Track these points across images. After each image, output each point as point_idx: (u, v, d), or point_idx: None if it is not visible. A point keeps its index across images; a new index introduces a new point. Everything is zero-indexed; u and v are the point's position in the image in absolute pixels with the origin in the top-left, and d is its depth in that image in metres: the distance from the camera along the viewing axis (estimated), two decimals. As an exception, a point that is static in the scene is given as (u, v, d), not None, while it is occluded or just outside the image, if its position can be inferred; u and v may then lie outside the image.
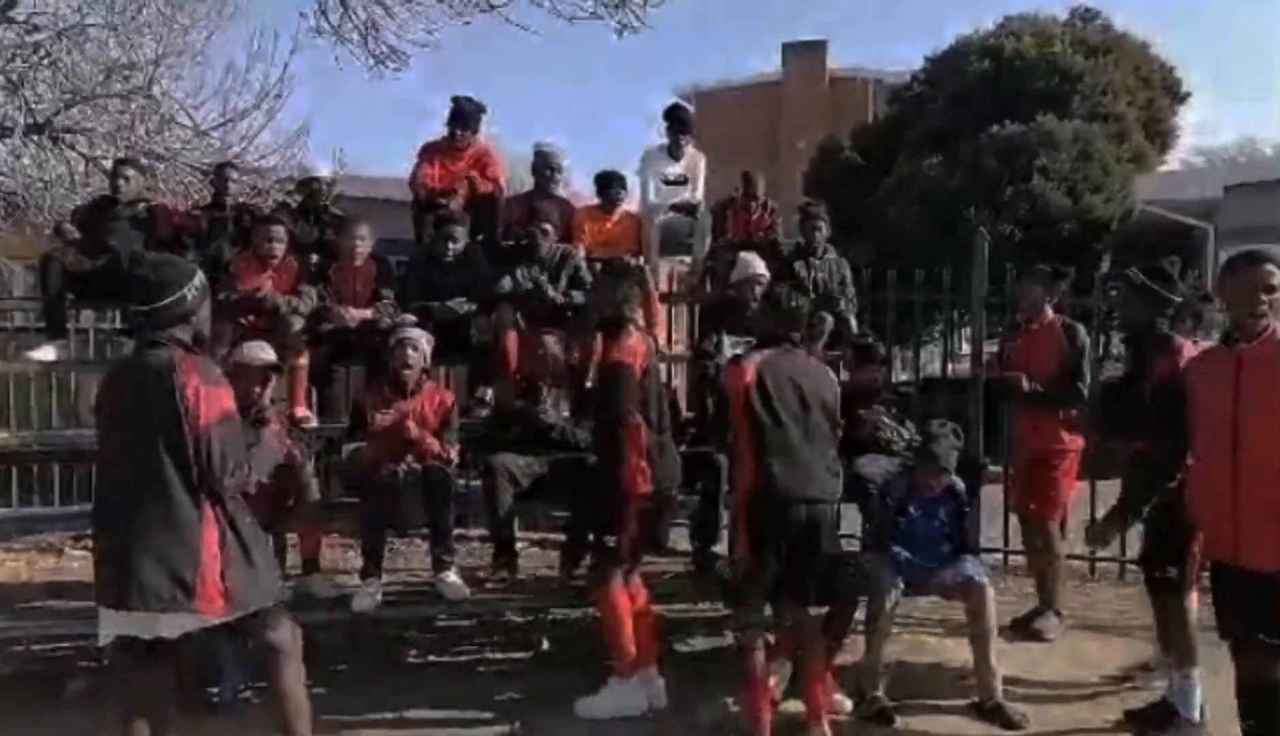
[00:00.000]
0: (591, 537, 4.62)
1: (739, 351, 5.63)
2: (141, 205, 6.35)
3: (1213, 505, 3.37)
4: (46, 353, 6.16)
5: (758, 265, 5.86)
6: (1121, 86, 14.49)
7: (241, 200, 7.38)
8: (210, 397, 3.18)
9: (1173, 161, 17.17)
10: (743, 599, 4.14)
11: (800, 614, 4.13)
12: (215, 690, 4.53)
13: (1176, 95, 15.68)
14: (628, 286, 4.52)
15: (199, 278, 3.37)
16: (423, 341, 5.16)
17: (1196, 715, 4.14)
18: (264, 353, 4.84)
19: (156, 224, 6.24)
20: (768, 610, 4.17)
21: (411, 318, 5.59)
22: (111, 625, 3.29)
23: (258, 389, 4.67)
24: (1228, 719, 3.57)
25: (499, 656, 5.20)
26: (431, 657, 5.20)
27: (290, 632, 3.47)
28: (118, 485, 3.27)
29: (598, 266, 5.89)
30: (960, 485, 4.67)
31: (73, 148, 9.68)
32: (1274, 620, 3.22)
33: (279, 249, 5.79)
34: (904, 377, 8.62)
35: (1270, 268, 3.27)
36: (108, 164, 8.20)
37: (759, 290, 5.74)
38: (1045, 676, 4.87)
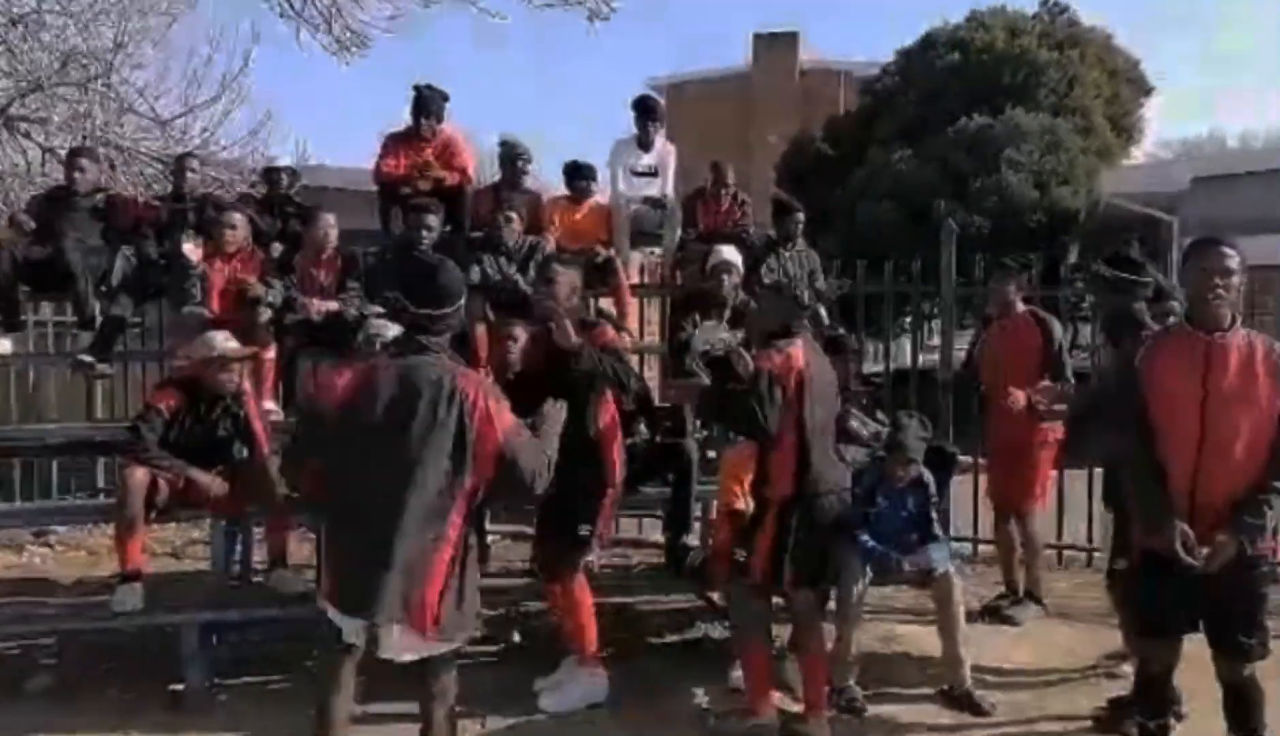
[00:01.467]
0: (553, 530, 4.46)
1: (721, 338, 5.62)
2: (100, 196, 6.21)
3: (1173, 491, 3.31)
4: (2, 346, 6.02)
5: (728, 253, 5.84)
6: (1088, 80, 14.62)
7: (203, 192, 7.25)
8: (499, 413, 3.12)
9: (1139, 154, 17.36)
10: (749, 596, 4.11)
11: (801, 598, 4.12)
12: (181, 686, 4.46)
13: (1142, 88, 15.85)
14: (561, 276, 4.42)
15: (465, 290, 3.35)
16: (389, 332, 5.09)
17: None
18: (231, 342, 4.84)
19: (116, 215, 6.11)
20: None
21: (378, 309, 5.52)
22: (352, 631, 3.15)
23: (237, 377, 4.76)
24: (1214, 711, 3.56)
25: (469, 649, 5.12)
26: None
27: (452, 681, 3.33)
28: (373, 490, 3.09)
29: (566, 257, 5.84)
30: (928, 475, 4.69)
31: (29, 137, 9.48)
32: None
33: (231, 236, 5.72)
34: (875, 368, 8.64)
35: (1227, 251, 3.25)
36: (64, 153, 8.04)
37: (728, 278, 5.72)
38: (1016, 664, 4.90)
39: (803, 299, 4.22)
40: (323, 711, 3.22)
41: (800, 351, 4.02)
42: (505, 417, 3.15)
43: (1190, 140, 34.27)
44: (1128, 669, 4.50)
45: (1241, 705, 3.37)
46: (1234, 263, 3.25)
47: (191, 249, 5.72)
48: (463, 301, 3.29)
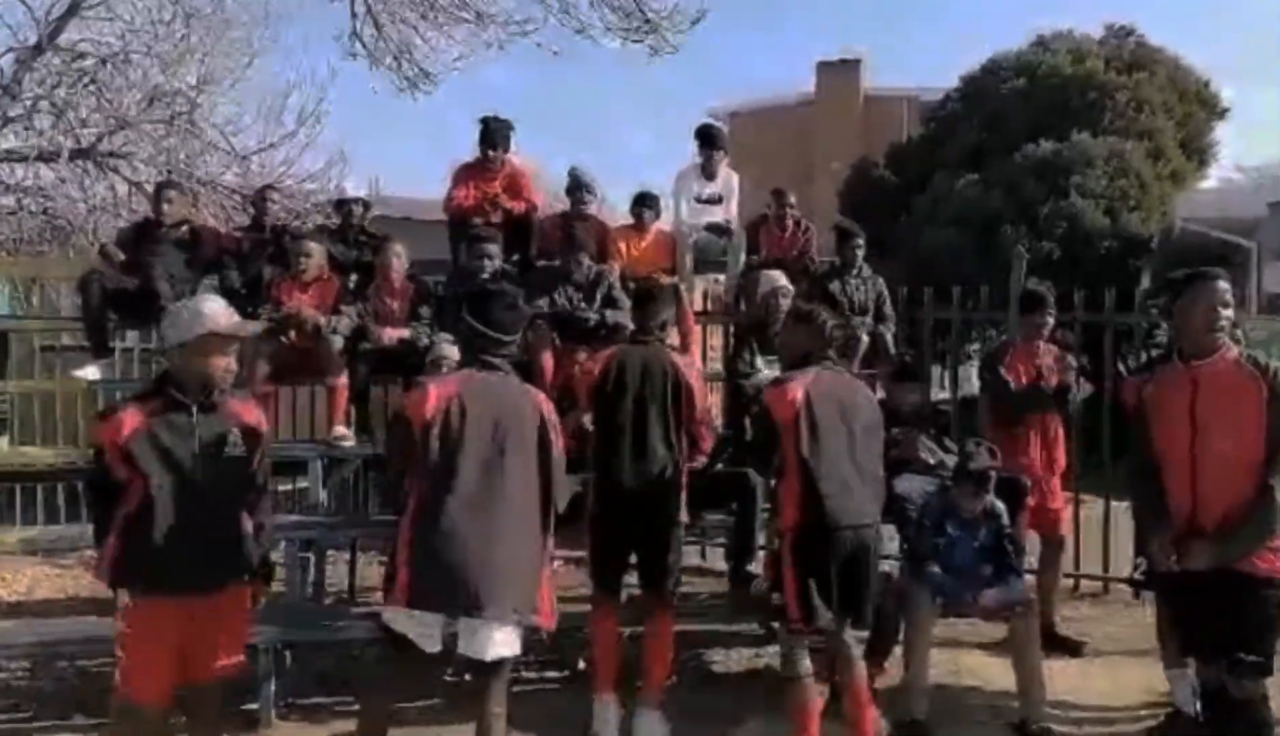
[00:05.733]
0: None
1: (774, 372, 5.62)
2: (185, 228, 6.44)
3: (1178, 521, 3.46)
4: (91, 371, 6.25)
5: (779, 278, 5.85)
6: (1157, 103, 14.33)
7: (280, 222, 7.48)
8: (558, 429, 3.57)
9: (1214, 178, 16.93)
10: (788, 628, 4.02)
11: (841, 640, 4.03)
12: (255, 706, 4.56)
13: (1214, 110, 15.46)
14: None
15: None
16: (455, 356, 5.15)
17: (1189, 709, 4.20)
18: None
19: (200, 245, 6.33)
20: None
21: (448, 337, 5.63)
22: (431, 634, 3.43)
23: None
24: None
25: (534, 675, 5.19)
26: (468, 676, 5.18)
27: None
28: (477, 497, 3.38)
29: (631, 285, 5.90)
30: (1000, 506, 4.60)
31: (116, 172, 9.89)
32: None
33: (309, 264, 5.86)
34: (942, 396, 8.53)
35: (1223, 285, 3.42)
36: (150, 187, 8.36)
37: (783, 301, 5.71)
38: (1087, 699, 4.79)
39: (826, 328, 4.13)
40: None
41: (802, 384, 3.94)
42: (561, 439, 3.56)
43: (1267, 166, 33.18)
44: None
45: (1241, 724, 3.36)
46: (1230, 295, 3.41)
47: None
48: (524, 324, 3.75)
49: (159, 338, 3.14)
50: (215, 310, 3.35)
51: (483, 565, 3.31)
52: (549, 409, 3.58)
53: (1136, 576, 4.80)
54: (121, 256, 6.28)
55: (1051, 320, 5.60)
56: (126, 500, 3.29)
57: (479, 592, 3.30)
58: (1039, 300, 5.63)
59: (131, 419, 3.24)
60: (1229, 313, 3.39)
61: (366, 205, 7.01)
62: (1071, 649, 5.37)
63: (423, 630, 3.40)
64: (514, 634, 3.44)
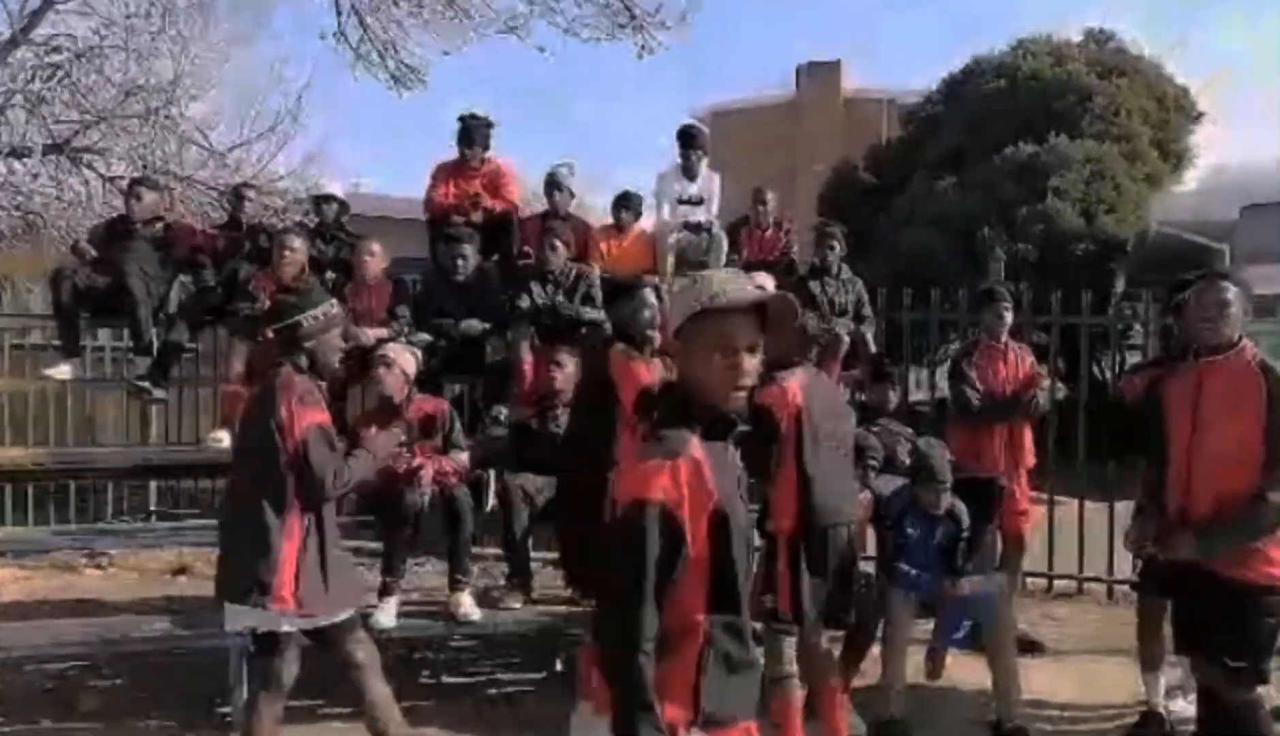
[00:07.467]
0: None
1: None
2: (160, 224, 6.36)
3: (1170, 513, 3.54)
4: (62, 370, 6.16)
5: (759, 276, 5.82)
6: (1135, 107, 14.46)
7: (257, 220, 7.40)
8: (301, 413, 3.51)
9: (1190, 182, 17.05)
10: (781, 639, 3.97)
11: (818, 642, 4.03)
12: (228, 709, 4.51)
13: (1190, 115, 15.61)
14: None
15: (324, 307, 3.70)
16: (403, 356, 4.84)
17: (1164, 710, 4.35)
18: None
19: (174, 243, 6.25)
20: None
21: (425, 337, 5.59)
22: (231, 619, 3.64)
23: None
24: None
25: (512, 677, 5.16)
26: (444, 678, 5.16)
27: (367, 649, 3.77)
28: (230, 492, 3.83)
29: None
30: (961, 507, 4.49)
31: (91, 167, 9.76)
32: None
33: (291, 258, 5.79)
34: (920, 397, 8.57)
35: (1224, 284, 3.49)
36: (126, 183, 8.25)
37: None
38: (1062, 699, 4.82)
39: (809, 328, 4.10)
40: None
41: (797, 383, 3.90)
42: (309, 418, 3.52)
43: (1237, 168, 33.40)
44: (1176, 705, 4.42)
45: (1233, 726, 3.38)
46: (1229, 294, 3.45)
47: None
48: (300, 316, 3.62)
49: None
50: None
51: (225, 553, 3.71)
52: (289, 400, 3.51)
53: (1134, 575, 4.83)
54: (94, 253, 6.19)
55: (1008, 316, 5.59)
56: (681, 594, 2.06)
57: (221, 578, 3.67)
58: (990, 296, 5.69)
59: (697, 449, 2.05)
60: (1222, 311, 3.42)
61: (343, 204, 6.94)
62: (1029, 647, 5.35)
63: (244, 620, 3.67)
64: (246, 611, 3.56)
